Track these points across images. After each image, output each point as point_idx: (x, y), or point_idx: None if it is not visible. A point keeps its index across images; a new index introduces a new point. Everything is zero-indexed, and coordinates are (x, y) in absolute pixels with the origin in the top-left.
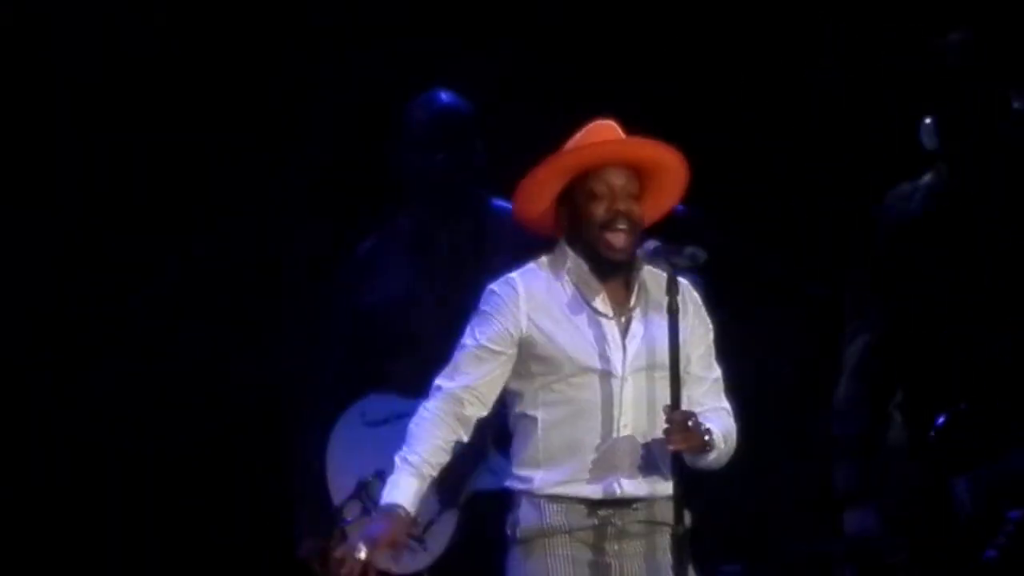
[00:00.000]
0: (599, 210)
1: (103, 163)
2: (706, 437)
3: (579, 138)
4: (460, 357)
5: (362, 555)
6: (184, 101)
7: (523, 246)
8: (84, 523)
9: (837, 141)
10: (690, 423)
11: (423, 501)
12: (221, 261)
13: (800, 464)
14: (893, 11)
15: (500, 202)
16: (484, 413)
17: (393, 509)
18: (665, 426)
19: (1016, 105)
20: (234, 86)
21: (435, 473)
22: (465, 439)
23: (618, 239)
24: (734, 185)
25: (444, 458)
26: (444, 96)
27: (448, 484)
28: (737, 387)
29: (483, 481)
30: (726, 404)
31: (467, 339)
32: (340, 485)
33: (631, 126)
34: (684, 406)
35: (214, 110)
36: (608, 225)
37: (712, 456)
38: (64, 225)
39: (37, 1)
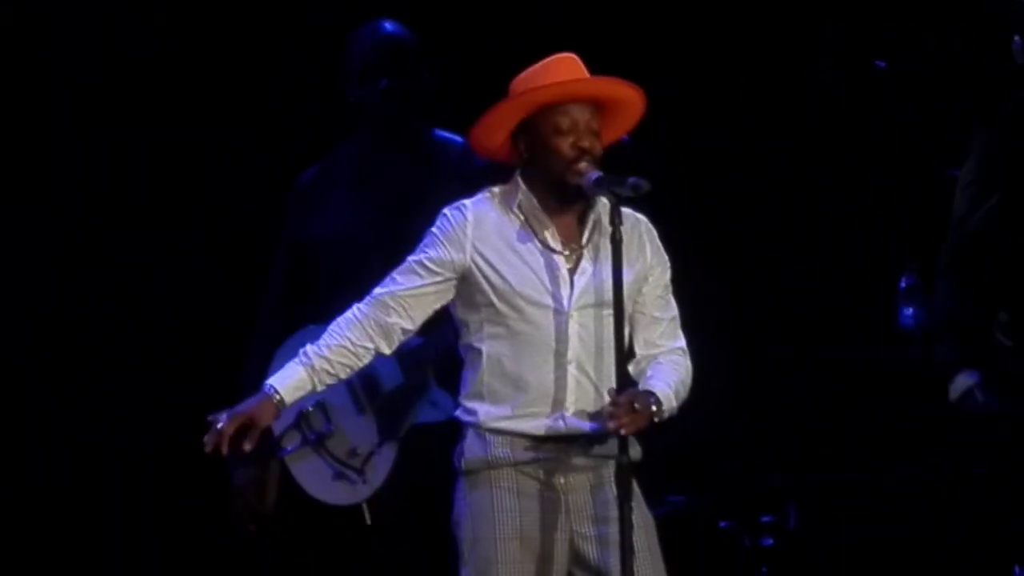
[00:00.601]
0: (564, 146)
1: (103, 163)
2: (653, 408)
3: (541, 72)
4: (399, 268)
5: (219, 425)
6: (184, 101)
7: (467, 179)
8: (84, 523)
9: (837, 141)
10: (636, 405)
11: (316, 393)
12: (221, 260)
13: (748, 396)
14: (893, 11)
15: (444, 134)
16: (409, 326)
17: (266, 389)
18: (609, 408)
19: None
20: (234, 86)
21: (332, 370)
22: (386, 349)
23: (584, 167)
24: (734, 185)
25: (351, 360)
26: (387, 26)
27: (389, 417)
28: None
29: (424, 414)
30: (682, 342)
31: (411, 255)
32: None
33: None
34: (640, 347)
35: (214, 110)
36: (575, 161)
37: (665, 418)
38: (64, 225)
39: (37, 1)
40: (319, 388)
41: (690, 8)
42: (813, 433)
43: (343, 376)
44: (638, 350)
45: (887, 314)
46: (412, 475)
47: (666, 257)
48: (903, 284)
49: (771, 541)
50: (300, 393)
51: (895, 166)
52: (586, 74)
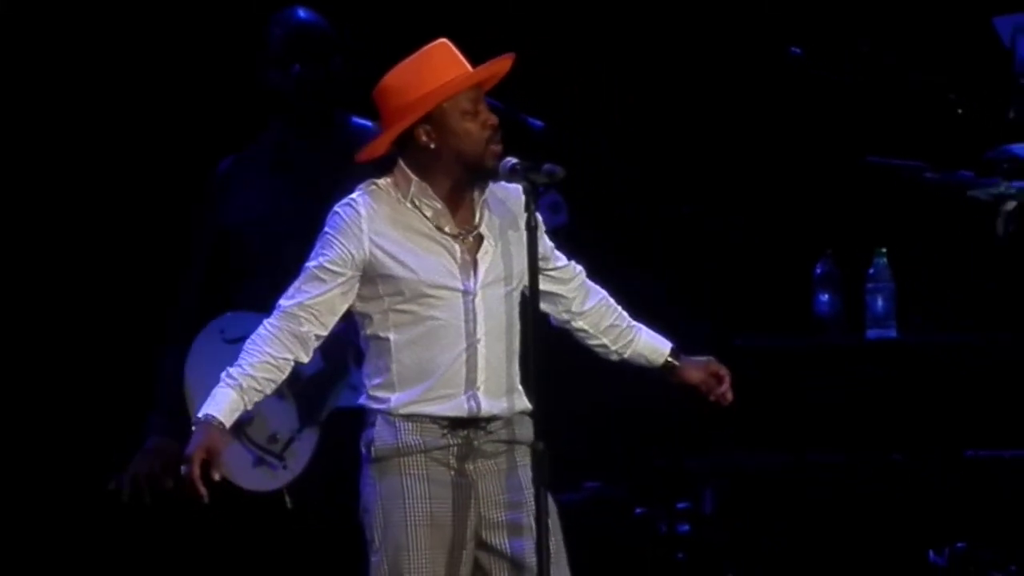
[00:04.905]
0: (475, 127)
1: (102, 162)
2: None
3: (427, 67)
4: (302, 277)
5: (183, 472)
6: (183, 100)
7: (383, 165)
8: (84, 523)
9: (753, 127)
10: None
11: (255, 413)
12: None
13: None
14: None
15: (360, 120)
16: (322, 332)
17: (205, 419)
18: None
19: None
20: (233, 86)
21: (259, 387)
22: (304, 358)
23: (499, 148)
24: (732, 184)
25: (275, 374)
26: (300, 12)
27: (309, 402)
28: None
29: (344, 398)
30: (600, 289)
31: (310, 260)
32: (199, 400)
33: (628, 125)
34: (563, 306)
35: (214, 110)
36: (489, 141)
37: None
38: (64, 225)
39: (37, 1)
40: (249, 405)
41: (689, 7)
42: (730, 419)
43: (268, 391)
44: (566, 293)
45: (802, 300)
46: (333, 460)
47: (534, 219)
48: (818, 271)
49: (687, 527)
50: (236, 414)
51: (810, 152)
52: (458, 52)
